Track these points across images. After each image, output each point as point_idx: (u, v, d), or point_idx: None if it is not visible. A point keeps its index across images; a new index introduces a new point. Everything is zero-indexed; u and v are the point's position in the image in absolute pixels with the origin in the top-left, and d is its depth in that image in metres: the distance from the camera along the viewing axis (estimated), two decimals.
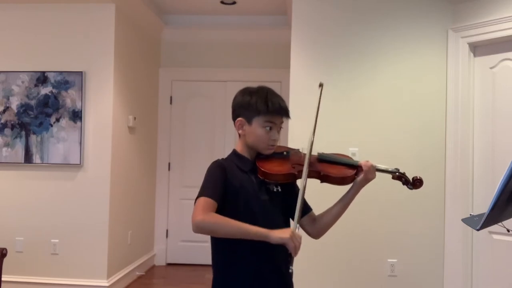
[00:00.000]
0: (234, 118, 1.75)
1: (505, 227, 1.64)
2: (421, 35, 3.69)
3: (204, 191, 1.60)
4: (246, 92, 1.73)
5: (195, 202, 1.59)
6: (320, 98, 1.78)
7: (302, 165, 1.66)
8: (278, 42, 5.31)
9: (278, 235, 1.51)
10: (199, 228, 1.52)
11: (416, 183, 1.77)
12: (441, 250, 3.60)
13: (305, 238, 1.84)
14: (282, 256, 1.66)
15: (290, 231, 1.51)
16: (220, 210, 1.59)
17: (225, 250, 1.69)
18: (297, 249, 1.50)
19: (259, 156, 1.73)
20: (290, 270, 1.55)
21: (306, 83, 3.71)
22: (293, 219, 1.79)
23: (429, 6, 3.69)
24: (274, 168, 1.67)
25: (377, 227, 3.65)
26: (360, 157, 3.51)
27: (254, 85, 1.78)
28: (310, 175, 1.69)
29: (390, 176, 1.80)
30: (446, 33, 3.65)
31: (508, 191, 1.38)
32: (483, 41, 3.47)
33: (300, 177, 1.66)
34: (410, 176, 1.79)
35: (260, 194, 1.69)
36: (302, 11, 3.77)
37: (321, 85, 1.81)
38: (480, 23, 3.44)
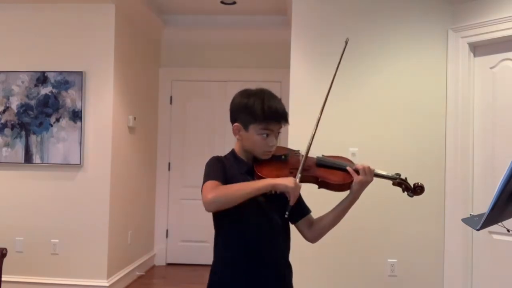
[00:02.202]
0: (231, 121, 1.74)
1: (505, 227, 1.63)
2: (421, 35, 3.69)
3: (207, 177, 1.61)
4: (244, 94, 1.70)
5: (201, 190, 1.58)
6: (342, 54, 1.77)
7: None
8: (278, 42, 5.31)
9: (283, 182, 1.54)
10: (213, 203, 1.53)
11: (417, 190, 1.72)
12: (441, 250, 3.60)
13: (302, 241, 1.84)
14: (279, 253, 1.67)
15: (294, 180, 1.55)
16: (216, 212, 1.60)
17: (226, 247, 1.69)
18: (295, 198, 1.55)
19: (257, 159, 1.71)
20: (285, 215, 1.60)
21: (306, 83, 3.71)
22: (290, 221, 1.79)
23: (429, 6, 3.69)
24: (271, 173, 1.64)
25: (377, 227, 3.65)
26: (360, 157, 3.51)
27: (254, 85, 1.76)
28: (307, 180, 1.67)
29: (390, 182, 1.74)
30: (446, 33, 3.65)
31: (508, 191, 1.38)
32: (483, 41, 3.46)
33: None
34: (411, 181, 1.74)
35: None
36: (302, 11, 3.77)
37: (347, 41, 1.82)
38: (480, 23, 3.44)
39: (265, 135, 1.66)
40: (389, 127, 3.68)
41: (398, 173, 1.74)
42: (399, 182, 1.73)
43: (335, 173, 1.69)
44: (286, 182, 1.54)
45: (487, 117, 3.46)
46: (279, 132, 1.71)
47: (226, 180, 1.62)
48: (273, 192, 1.70)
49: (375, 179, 1.70)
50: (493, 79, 3.44)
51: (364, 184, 1.67)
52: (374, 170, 1.68)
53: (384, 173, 1.72)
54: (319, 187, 1.71)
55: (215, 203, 1.53)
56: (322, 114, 1.76)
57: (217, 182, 1.58)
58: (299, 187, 1.57)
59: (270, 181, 1.56)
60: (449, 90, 3.62)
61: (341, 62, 1.79)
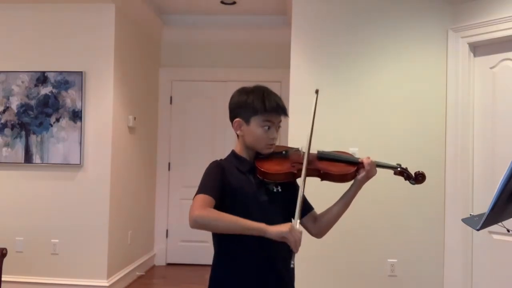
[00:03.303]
0: (231, 119, 1.74)
1: (505, 227, 1.63)
2: (421, 35, 3.69)
3: (202, 189, 1.59)
4: (243, 92, 1.73)
5: (192, 200, 1.58)
6: (316, 104, 1.76)
7: (301, 164, 1.66)
8: (278, 42, 5.31)
9: (276, 229, 1.48)
10: (196, 223, 1.50)
11: (418, 178, 1.75)
12: (441, 250, 3.60)
13: (305, 238, 1.83)
14: (281, 255, 1.67)
15: (289, 226, 1.48)
16: (218, 209, 1.59)
17: (227, 248, 1.69)
18: (297, 243, 1.47)
19: (258, 156, 1.72)
20: (291, 265, 1.52)
21: (306, 83, 3.71)
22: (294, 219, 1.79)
23: (429, 6, 3.69)
24: (273, 167, 1.66)
25: (377, 227, 3.65)
26: (360, 157, 3.51)
27: (254, 85, 1.78)
28: (310, 174, 1.68)
29: (391, 172, 1.78)
30: (446, 33, 3.65)
31: (508, 191, 1.38)
32: (483, 41, 3.46)
33: (300, 176, 1.66)
34: (412, 172, 1.77)
35: (259, 194, 1.68)
36: (302, 11, 3.77)
37: (317, 91, 1.79)
38: (480, 23, 3.44)
39: (266, 128, 1.68)
40: (389, 127, 3.68)
41: (399, 163, 1.78)
42: (400, 171, 1.77)
43: (336, 165, 1.72)
44: (280, 228, 1.47)
45: (487, 117, 3.46)
46: (279, 126, 1.73)
47: (225, 186, 1.63)
48: (275, 190, 1.70)
49: (378, 175, 1.72)
50: (493, 79, 3.44)
51: (368, 177, 1.71)
52: (376, 162, 1.73)
53: (385, 163, 1.76)
54: (321, 179, 1.72)
55: (199, 223, 1.50)
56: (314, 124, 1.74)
57: (210, 198, 1.56)
58: (299, 232, 1.48)
59: (262, 226, 1.49)
60: (449, 90, 3.62)
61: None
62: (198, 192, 1.59)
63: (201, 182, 1.63)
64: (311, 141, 1.70)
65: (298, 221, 1.53)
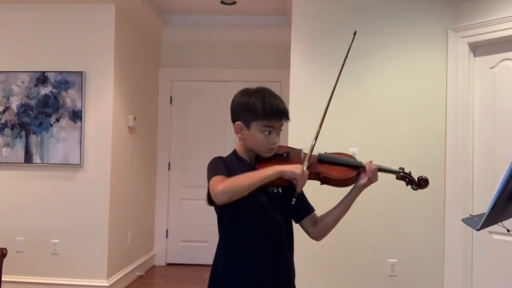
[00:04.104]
0: (233, 120, 1.74)
1: (505, 227, 1.63)
2: (421, 35, 3.69)
3: (213, 173, 1.61)
4: (245, 93, 1.71)
5: (208, 187, 1.59)
6: (350, 46, 1.78)
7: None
8: (278, 42, 5.31)
9: (290, 169, 1.55)
10: (223, 194, 1.52)
11: (421, 183, 1.72)
12: (441, 250, 3.60)
13: (306, 238, 1.84)
14: (282, 254, 1.67)
15: (301, 167, 1.55)
16: (218, 210, 1.59)
17: (229, 245, 1.70)
18: (303, 184, 1.56)
19: (259, 158, 1.71)
20: (292, 202, 1.59)
21: (306, 83, 3.71)
22: (295, 221, 1.79)
23: (429, 6, 3.69)
24: None
25: (377, 227, 3.65)
26: (360, 157, 3.50)
27: (254, 85, 1.76)
28: (310, 177, 1.66)
29: (393, 176, 1.75)
30: (446, 33, 3.65)
31: (508, 191, 1.38)
32: (483, 41, 3.46)
33: None
34: (415, 176, 1.75)
35: (258, 195, 1.66)
36: (302, 11, 3.77)
37: (355, 33, 1.81)
38: (480, 23, 3.44)
39: (267, 133, 1.66)
40: (389, 127, 3.68)
41: (402, 168, 1.75)
42: (403, 175, 1.74)
43: (337, 169, 1.70)
44: (293, 169, 1.55)
45: (487, 117, 3.46)
46: (280, 130, 1.72)
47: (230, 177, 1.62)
48: (275, 191, 1.70)
49: (379, 176, 1.70)
50: (493, 79, 3.44)
51: (369, 182, 1.69)
52: (379, 166, 1.70)
53: (388, 167, 1.73)
54: (321, 183, 1.71)
55: (225, 193, 1.52)
56: (328, 108, 1.75)
57: (223, 176, 1.58)
58: (307, 174, 1.57)
59: (277, 168, 1.56)
60: (449, 90, 3.62)
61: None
62: (211, 177, 1.59)
63: (208, 171, 1.64)
64: (318, 135, 1.68)
65: (307, 163, 1.60)
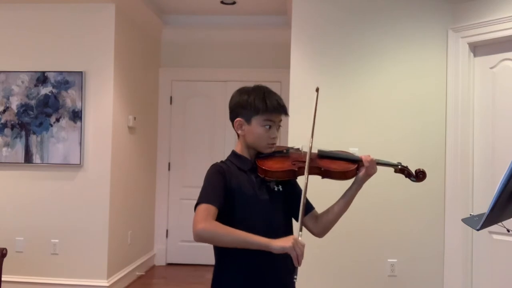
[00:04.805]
0: (232, 119, 1.74)
1: (505, 227, 1.64)
2: (421, 35, 3.69)
3: (204, 197, 1.58)
4: (243, 91, 1.73)
5: (195, 208, 1.57)
6: (316, 103, 1.77)
7: (302, 162, 1.66)
8: (278, 42, 5.31)
9: (280, 244, 1.46)
10: (199, 237, 1.51)
11: (419, 175, 1.76)
12: (441, 250, 3.60)
13: (306, 238, 1.83)
14: (284, 264, 1.66)
15: (292, 239, 1.46)
16: (219, 212, 1.59)
17: (226, 254, 1.69)
18: (299, 258, 1.45)
19: (259, 155, 1.73)
20: (294, 280, 1.51)
21: (306, 83, 3.71)
22: (295, 219, 1.79)
23: (429, 6, 3.69)
24: (274, 165, 1.67)
25: (377, 227, 3.65)
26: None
27: (254, 85, 1.78)
28: (311, 172, 1.68)
29: (392, 171, 1.79)
30: (446, 33, 3.65)
31: (508, 191, 1.38)
32: (483, 41, 3.46)
33: (300, 174, 1.66)
34: (412, 170, 1.78)
35: (260, 193, 1.68)
36: (302, 11, 3.77)
37: (317, 90, 1.79)
38: (480, 23, 3.44)
39: (267, 127, 1.69)
40: (389, 127, 3.68)
41: (399, 162, 1.79)
42: (401, 168, 1.78)
43: (337, 163, 1.73)
44: (283, 243, 1.46)
45: (487, 117, 3.46)
46: (279, 126, 1.74)
47: (227, 190, 1.62)
48: (276, 189, 1.70)
49: (379, 175, 1.72)
50: (493, 79, 3.44)
51: (368, 175, 1.71)
52: (377, 160, 1.73)
53: (386, 161, 1.77)
54: (322, 177, 1.73)
55: (204, 237, 1.51)
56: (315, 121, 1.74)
57: (212, 208, 1.55)
58: (302, 245, 1.46)
59: (265, 241, 1.48)
60: (449, 90, 3.62)
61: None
62: (200, 201, 1.57)
63: (202, 189, 1.62)
64: (313, 141, 1.70)
65: (301, 233, 1.52)
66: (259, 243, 1.49)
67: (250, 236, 1.50)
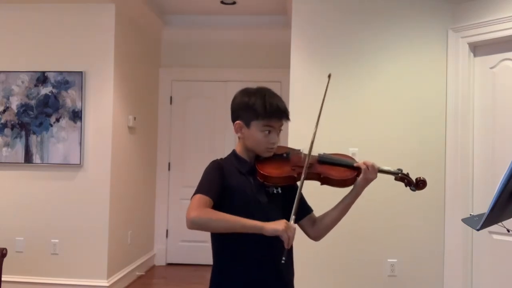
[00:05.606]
0: (233, 120, 1.74)
1: (505, 227, 1.63)
2: (421, 35, 3.69)
3: (200, 189, 1.59)
4: (245, 93, 1.71)
5: (191, 199, 1.58)
6: (326, 89, 1.75)
7: (302, 167, 1.64)
8: (278, 42, 5.31)
9: (272, 226, 1.48)
10: (193, 224, 1.51)
11: (419, 184, 1.72)
12: (441, 250, 3.60)
13: (305, 238, 1.84)
14: (281, 255, 1.66)
15: (284, 223, 1.48)
16: (217, 209, 1.59)
17: (224, 250, 1.69)
18: (290, 240, 1.48)
19: (259, 158, 1.71)
20: (282, 261, 1.51)
21: (306, 83, 3.71)
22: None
23: (429, 6, 3.69)
24: (274, 171, 1.65)
25: (377, 227, 3.65)
26: (360, 157, 3.50)
27: (254, 85, 1.76)
28: (310, 177, 1.67)
29: (392, 177, 1.76)
30: (446, 33, 3.65)
31: (508, 191, 1.38)
32: (483, 41, 3.46)
33: (300, 179, 1.64)
34: (413, 177, 1.75)
35: (258, 196, 1.67)
36: (302, 11, 3.77)
37: (329, 76, 1.78)
38: (480, 23, 3.44)
39: (267, 132, 1.66)
40: (389, 127, 3.68)
41: (400, 169, 1.75)
42: (401, 176, 1.74)
43: (337, 169, 1.70)
44: (275, 226, 1.48)
45: (487, 117, 3.46)
46: (280, 130, 1.72)
47: (224, 186, 1.62)
48: (274, 191, 1.70)
49: (378, 176, 1.71)
50: (493, 79, 3.44)
51: (368, 181, 1.69)
52: (378, 167, 1.70)
53: (386, 168, 1.73)
54: (321, 184, 1.71)
55: (196, 224, 1.51)
56: (322, 112, 1.74)
57: (207, 198, 1.56)
58: (293, 229, 1.49)
59: (259, 224, 1.50)
60: (449, 90, 3.62)
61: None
62: (196, 192, 1.58)
63: (199, 182, 1.63)
64: (314, 141, 1.68)
65: (294, 217, 1.53)
66: (252, 225, 1.51)
67: (244, 220, 1.51)
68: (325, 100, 1.76)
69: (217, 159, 1.73)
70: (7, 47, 4.36)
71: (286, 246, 1.49)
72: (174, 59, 5.66)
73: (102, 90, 4.27)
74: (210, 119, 5.63)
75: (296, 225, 1.51)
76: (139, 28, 4.94)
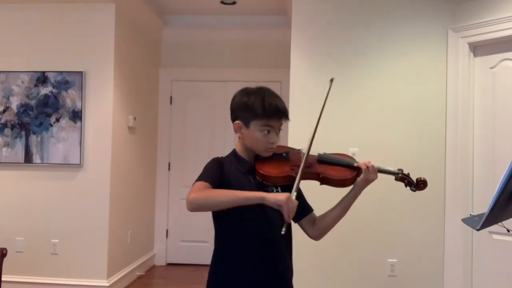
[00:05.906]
0: (232, 119, 1.74)
1: (505, 227, 1.63)
2: (421, 35, 3.69)
3: (200, 177, 1.61)
4: (244, 93, 1.71)
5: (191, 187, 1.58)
6: (328, 93, 1.75)
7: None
8: (278, 42, 5.31)
9: (274, 197, 1.48)
10: (192, 204, 1.51)
11: (420, 185, 1.71)
12: (441, 250, 3.60)
13: (306, 237, 1.84)
14: (280, 254, 1.66)
15: (287, 195, 1.47)
16: (217, 212, 1.59)
17: (227, 245, 1.69)
18: (291, 213, 1.47)
19: (258, 157, 1.71)
20: (282, 232, 1.50)
21: (306, 83, 3.71)
22: (293, 220, 1.78)
23: (429, 6, 3.69)
24: (273, 170, 1.65)
25: (377, 227, 3.65)
26: (360, 157, 3.50)
27: (254, 85, 1.76)
28: (309, 177, 1.67)
29: (393, 177, 1.75)
30: (446, 33, 3.65)
31: (508, 191, 1.38)
32: (483, 41, 3.46)
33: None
34: (413, 177, 1.74)
35: None
36: (302, 11, 3.77)
37: (331, 80, 1.78)
38: (480, 23, 3.44)
39: (266, 132, 1.66)
40: (389, 127, 3.68)
41: (401, 169, 1.74)
42: (402, 177, 1.73)
43: (336, 169, 1.70)
44: (277, 196, 1.47)
45: (487, 117, 3.46)
46: (280, 129, 1.71)
47: (223, 182, 1.62)
48: (274, 190, 1.70)
49: (378, 176, 1.70)
50: (493, 79, 3.44)
51: (368, 182, 1.68)
52: (378, 167, 1.69)
53: (387, 168, 1.72)
54: (321, 184, 1.71)
55: (194, 204, 1.51)
56: (322, 114, 1.74)
57: (207, 184, 1.56)
58: (294, 203, 1.48)
59: (260, 193, 1.50)
60: (449, 90, 3.62)
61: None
62: (196, 180, 1.59)
63: (200, 174, 1.64)
64: (313, 139, 1.68)
65: (295, 193, 1.53)
66: (254, 196, 1.50)
67: (244, 192, 1.52)
68: (325, 104, 1.75)
69: (217, 156, 1.75)
70: (7, 47, 4.36)
71: (286, 219, 1.48)
72: (174, 59, 5.66)
73: (102, 90, 4.27)
74: (210, 119, 5.63)
75: (297, 202, 1.50)
76: (139, 28, 4.94)
